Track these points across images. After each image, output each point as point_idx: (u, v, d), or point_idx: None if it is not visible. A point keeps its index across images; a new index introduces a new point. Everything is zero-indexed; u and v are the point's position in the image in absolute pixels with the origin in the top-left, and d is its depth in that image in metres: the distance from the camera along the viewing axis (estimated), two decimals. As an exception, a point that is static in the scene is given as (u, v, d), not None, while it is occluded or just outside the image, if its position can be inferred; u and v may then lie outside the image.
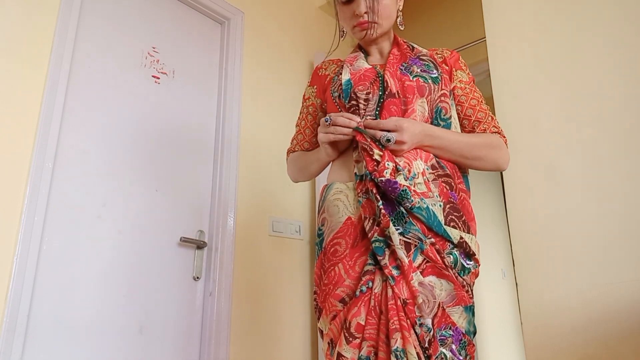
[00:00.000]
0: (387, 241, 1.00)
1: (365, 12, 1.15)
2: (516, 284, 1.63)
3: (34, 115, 1.55)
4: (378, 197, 1.02)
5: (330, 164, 1.24)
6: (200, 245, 1.93)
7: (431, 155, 1.09)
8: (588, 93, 1.59)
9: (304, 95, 1.36)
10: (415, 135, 1.05)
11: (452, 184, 1.09)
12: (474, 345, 1.04)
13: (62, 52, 1.65)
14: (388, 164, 1.02)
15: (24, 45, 1.57)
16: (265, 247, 2.14)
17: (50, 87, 1.59)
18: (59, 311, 1.51)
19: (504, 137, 1.19)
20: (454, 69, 1.21)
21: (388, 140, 1.03)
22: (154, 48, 1.98)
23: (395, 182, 0.99)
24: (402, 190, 0.99)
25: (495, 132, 1.18)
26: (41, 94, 1.58)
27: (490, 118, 1.19)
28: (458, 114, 1.19)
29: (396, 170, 1.02)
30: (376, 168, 1.02)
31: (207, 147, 2.09)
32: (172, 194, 1.90)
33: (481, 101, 1.20)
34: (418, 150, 1.08)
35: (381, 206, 1.00)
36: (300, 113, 1.37)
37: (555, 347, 1.47)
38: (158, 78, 1.97)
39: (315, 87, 1.32)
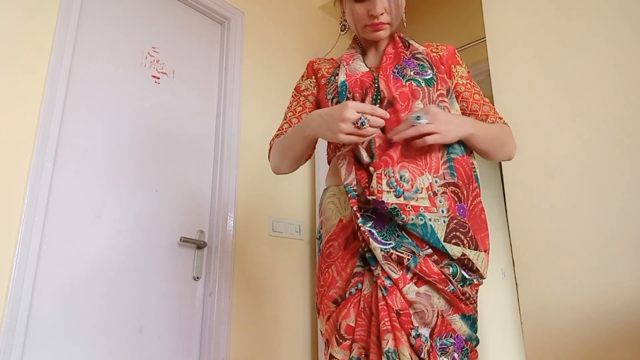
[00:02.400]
0: None
1: (382, 14, 1.11)
2: (516, 284, 1.63)
3: (34, 115, 1.55)
4: (358, 215, 1.00)
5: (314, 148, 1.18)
6: (200, 245, 1.93)
7: (446, 163, 1.05)
8: (588, 93, 1.59)
9: (298, 87, 1.28)
10: (449, 120, 1.00)
11: (462, 194, 1.04)
12: (476, 352, 1.03)
13: (62, 52, 1.65)
14: (372, 185, 0.99)
15: (24, 45, 1.57)
16: (265, 247, 2.14)
17: (50, 87, 1.59)
18: (59, 311, 1.51)
19: (509, 126, 1.19)
20: (452, 66, 1.20)
21: (418, 118, 0.97)
22: (154, 48, 1.98)
23: (382, 202, 0.97)
24: (392, 208, 0.96)
25: (503, 123, 1.17)
26: (41, 94, 1.58)
27: (494, 110, 1.18)
28: (464, 110, 1.17)
29: (388, 185, 0.99)
30: (367, 185, 1.00)
31: (207, 147, 2.09)
32: (172, 194, 1.90)
33: (482, 94, 1.20)
34: (428, 161, 1.04)
35: (360, 224, 0.99)
36: (294, 101, 1.26)
37: (555, 347, 1.47)
38: (158, 78, 1.97)
39: (313, 78, 1.26)
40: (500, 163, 1.70)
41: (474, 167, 1.11)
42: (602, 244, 1.47)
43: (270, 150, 1.25)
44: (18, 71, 1.54)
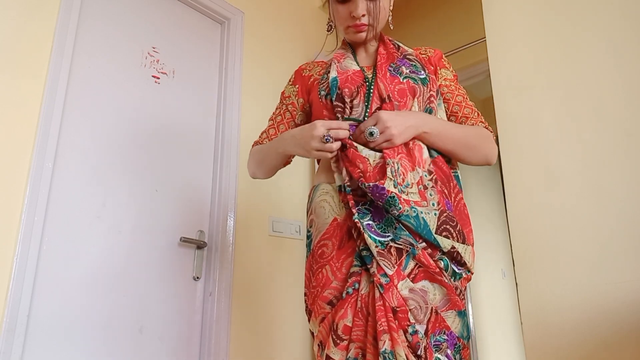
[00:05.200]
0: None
1: (363, 15, 1.13)
2: (516, 284, 1.63)
3: (34, 115, 1.55)
4: (354, 210, 1.01)
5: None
6: (200, 245, 1.93)
7: (428, 159, 1.07)
8: (588, 93, 1.59)
9: (283, 93, 1.33)
10: (401, 122, 1.03)
11: (448, 189, 1.07)
12: (468, 348, 1.04)
13: (62, 52, 1.65)
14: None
15: (24, 45, 1.57)
16: (265, 247, 2.14)
17: (50, 87, 1.59)
18: (59, 311, 1.51)
19: (492, 131, 1.19)
20: (438, 68, 1.21)
21: (371, 134, 1.02)
22: (154, 48, 1.98)
23: (383, 188, 0.98)
24: (390, 197, 0.97)
25: (483, 127, 1.18)
26: (41, 94, 1.58)
27: (476, 114, 1.19)
28: (445, 111, 1.19)
29: (391, 173, 1.01)
30: (362, 175, 1.01)
31: (207, 147, 2.09)
32: (172, 194, 1.90)
33: (466, 97, 1.21)
34: (417, 156, 1.06)
35: (356, 220, 1.00)
36: (277, 109, 1.33)
37: (555, 347, 1.47)
38: (158, 78, 1.97)
39: (297, 86, 1.29)
40: (500, 163, 1.70)
41: (455, 170, 1.14)
42: (602, 244, 1.47)
43: (249, 156, 1.32)
44: (18, 71, 1.54)
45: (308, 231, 1.17)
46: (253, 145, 1.33)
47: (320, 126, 1.03)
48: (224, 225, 1.99)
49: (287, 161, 1.26)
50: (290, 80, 1.33)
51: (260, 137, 1.32)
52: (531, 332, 1.54)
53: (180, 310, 1.82)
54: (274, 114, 1.33)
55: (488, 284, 3.38)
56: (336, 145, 1.03)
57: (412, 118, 1.06)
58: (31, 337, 1.44)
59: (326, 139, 1.02)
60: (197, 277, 1.90)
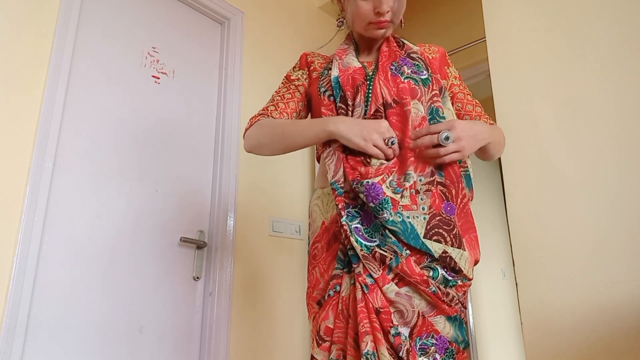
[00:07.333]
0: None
1: (388, 11, 1.11)
2: (516, 284, 1.63)
3: (34, 115, 1.55)
4: (343, 213, 1.01)
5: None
6: (200, 245, 1.93)
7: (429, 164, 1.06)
8: (588, 93, 1.59)
9: (289, 76, 1.26)
10: (473, 135, 1.03)
11: (450, 193, 1.05)
12: (464, 352, 1.01)
13: (62, 52, 1.65)
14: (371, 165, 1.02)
15: (25, 45, 1.57)
16: (265, 247, 2.14)
17: (50, 87, 1.59)
18: (59, 311, 1.51)
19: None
20: (445, 67, 1.22)
21: (447, 138, 0.99)
22: (154, 48, 1.98)
23: (380, 188, 0.97)
24: (384, 199, 0.97)
25: (493, 123, 1.22)
26: (41, 94, 1.58)
27: (483, 111, 1.23)
28: (459, 110, 1.20)
29: (386, 181, 1.01)
30: (359, 176, 1.00)
31: (207, 147, 2.09)
32: (172, 194, 1.90)
33: (472, 94, 1.25)
34: (415, 159, 1.05)
35: (343, 222, 0.99)
36: (285, 87, 1.25)
37: (555, 347, 1.47)
38: (158, 78, 1.97)
39: (305, 69, 1.26)
40: (500, 163, 1.70)
41: (467, 169, 1.11)
42: (602, 244, 1.47)
43: (249, 127, 1.19)
44: (18, 71, 1.54)
45: (308, 234, 1.19)
46: (256, 117, 1.20)
47: (387, 129, 1.02)
48: (224, 225, 1.99)
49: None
50: (296, 66, 1.28)
51: (266, 109, 1.21)
52: (531, 331, 1.54)
53: (180, 310, 1.82)
54: (279, 90, 1.25)
55: (488, 284, 3.38)
56: (395, 152, 1.03)
57: (482, 130, 1.07)
58: (31, 337, 1.44)
59: (391, 142, 1.01)
60: (197, 277, 1.90)
